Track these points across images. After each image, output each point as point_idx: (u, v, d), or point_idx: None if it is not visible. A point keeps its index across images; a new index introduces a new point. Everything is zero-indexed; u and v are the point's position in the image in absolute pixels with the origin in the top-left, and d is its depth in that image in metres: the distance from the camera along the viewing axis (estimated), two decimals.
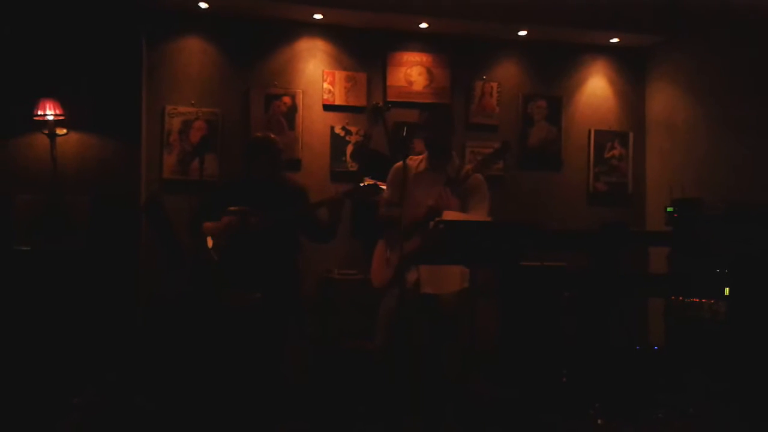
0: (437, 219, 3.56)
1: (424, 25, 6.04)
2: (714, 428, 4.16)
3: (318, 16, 5.86)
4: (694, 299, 4.91)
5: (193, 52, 5.87)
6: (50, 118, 5.18)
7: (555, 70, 6.50)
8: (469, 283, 3.91)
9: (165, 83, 5.81)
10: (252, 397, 4.09)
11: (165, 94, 5.80)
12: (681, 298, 5.03)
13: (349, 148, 6.03)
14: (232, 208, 4.07)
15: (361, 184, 4.08)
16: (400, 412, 4.05)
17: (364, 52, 6.13)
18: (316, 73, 6.05)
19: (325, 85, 6.03)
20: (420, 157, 4.17)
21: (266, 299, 4.03)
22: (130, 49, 5.52)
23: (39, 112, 5.17)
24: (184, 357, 4.74)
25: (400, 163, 3.96)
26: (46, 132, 5.21)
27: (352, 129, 6.04)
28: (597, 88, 6.57)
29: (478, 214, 3.94)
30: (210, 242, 4.14)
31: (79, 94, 5.33)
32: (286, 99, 5.96)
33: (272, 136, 4.44)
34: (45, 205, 5.20)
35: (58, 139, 5.25)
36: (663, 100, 6.42)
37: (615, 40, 6.37)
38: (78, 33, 5.37)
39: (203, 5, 5.64)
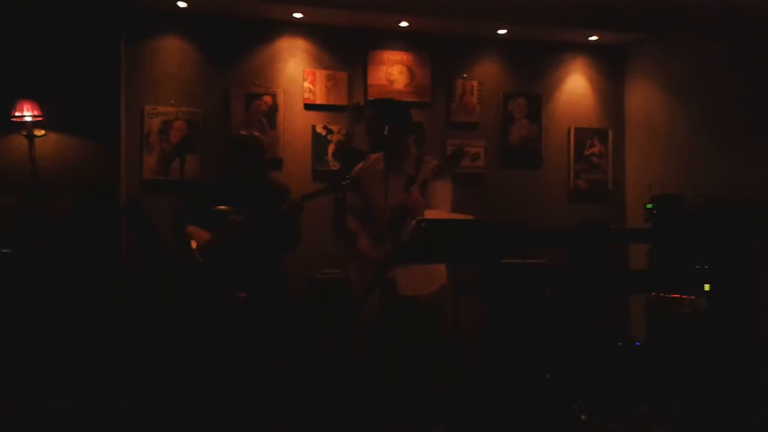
0: (419, 218, 3.54)
1: (404, 24, 6.04)
2: (695, 423, 4.20)
3: (298, 15, 5.84)
4: (675, 295, 4.96)
5: (172, 52, 5.83)
6: (28, 119, 5.13)
7: (535, 68, 6.53)
8: (447, 280, 3.91)
9: (144, 83, 5.76)
10: (237, 398, 4.08)
11: (144, 93, 5.76)
12: (662, 294, 5.07)
13: (331, 147, 6.02)
14: (218, 207, 4.04)
15: (316, 190, 4.10)
16: (386, 412, 4.05)
17: (345, 51, 6.12)
18: (296, 72, 6.03)
19: (306, 84, 6.02)
20: (376, 155, 4.09)
21: (251, 299, 4.02)
22: (108, 48, 5.49)
23: (16, 114, 5.12)
24: (168, 358, 4.71)
25: (361, 164, 3.99)
26: (24, 133, 5.16)
27: (334, 128, 6.03)
28: (576, 86, 6.61)
29: (442, 206, 3.84)
30: (194, 244, 4.12)
31: (57, 94, 5.29)
32: (267, 98, 5.93)
33: (256, 134, 4.42)
34: (24, 206, 5.14)
35: (37, 140, 5.20)
36: (642, 98, 6.47)
37: (594, 38, 6.41)
38: (55, 33, 5.32)
39: (182, 4, 5.60)
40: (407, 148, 4.05)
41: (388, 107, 4.18)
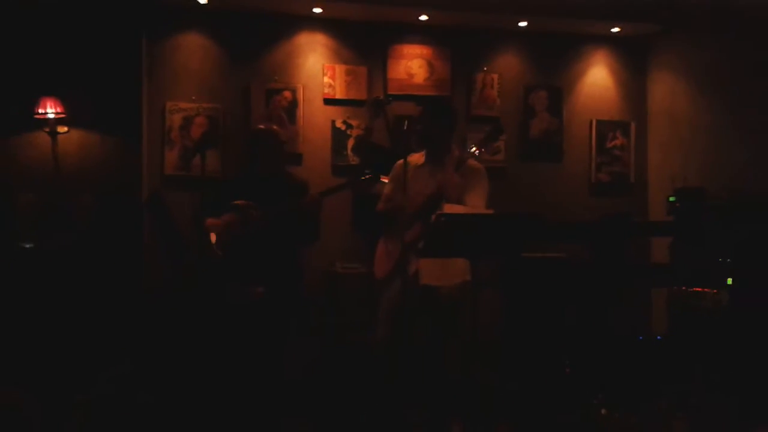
0: (439, 212, 3.55)
1: (424, 18, 6.03)
2: (716, 418, 4.16)
3: (317, 10, 5.85)
4: (697, 289, 4.91)
5: (193, 48, 5.87)
6: (51, 116, 5.20)
7: (556, 60, 6.48)
8: (471, 275, 3.91)
9: (165, 79, 5.81)
10: (255, 392, 4.10)
11: (165, 90, 5.80)
12: (683, 287, 5.02)
13: (350, 142, 6.03)
14: (237, 202, 4.06)
15: (335, 186, 4.10)
16: (405, 406, 4.06)
17: (364, 45, 6.12)
18: (316, 67, 6.04)
19: (326, 79, 6.03)
20: (419, 154, 4.18)
21: (269, 294, 4.04)
22: (129, 45, 5.53)
23: (40, 111, 5.18)
24: (188, 352, 4.76)
25: (402, 160, 3.97)
26: (47, 130, 5.23)
27: (353, 123, 6.04)
28: (598, 78, 6.55)
29: (476, 198, 3.92)
30: (213, 238, 4.14)
31: (80, 91, 5.35)
32: (287, 93, 5.95)
33: (275, 127, 4.41)
34: (47, 203, 5.22)
35: (60, 137, 5.27)
36: (664, 90, 6.41)
37: (616, 29, 6.36)
38: (78, 30, 5.38)
39: (202, 1, 5.64)
40: (449, 147, 4.08)
41: (441, 105, 4.21)
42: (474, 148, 3.96)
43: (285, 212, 4.04)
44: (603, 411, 4.20)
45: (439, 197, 3.84)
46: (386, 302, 4.04)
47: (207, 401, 4.25)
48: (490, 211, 3.87)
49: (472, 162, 4.00)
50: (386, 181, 4.27)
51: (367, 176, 4.07)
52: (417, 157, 4.14)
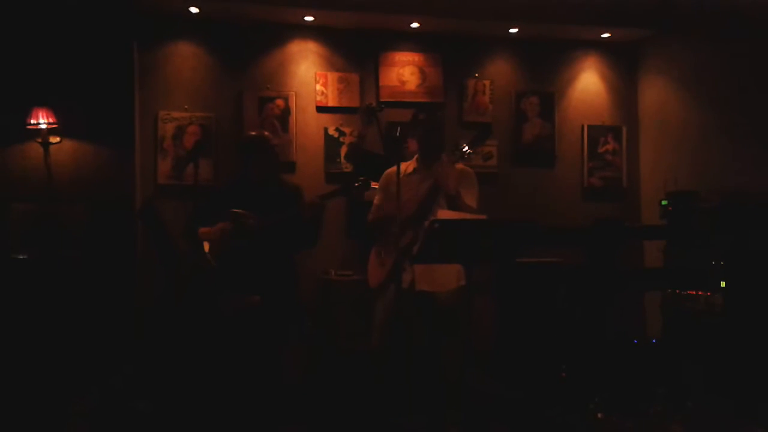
0: (432, 218, 3.56)
1: (415, 25, 6.05)
2: (712, 421, 4.17)
3: (309, 18, 5.86)
4: (690, 292, 4.93)
5: (185, 57, 5.88)
6: (43, 126, 5.19)
7: (547, 66, 6.51)
8: (465, 280, 3.92)
9: (157, 89, 5.81)
10: (251, 400, 4.09)
11: (158, 99, 5.80)
12: (677, 290, 5.04)
13: (343, 149, 6.04)
14: (235, 210, 4.05)
15: (331, 191, 4.10)
16: (400, 413, 4.06)
17: (356, 53, 6.14)
18: (308, 75, 6.05)
19: (318, 87, 6.04)
20: (409, 162, 4.20)
21: (264, 302, 4.03)
22: (121, 55, 5.54)
23: (32, 121, 5.18)
24: (183, 361, 4.74)
25: (393, 168, 3.98)
26: (40, 140, 5.22)
27: (346, 130, 6.05)
28: (589, 83, 6.58)
29: (469, 198, 3.96)
30: (207, 247, 4.14)
31: (72, 101, 5.35)
32: (279, 102, 5.96)
33: (266, 133, 4.40)
34: (40, 213, 5.20)
35: (52, 147, 5.27)
36: (655, 94, 6.44)
37: (606, 35, 6.39)
38: (69, 40, 5.38)
39: (194, 10, 5.65)
40: (440, 154, 4.10)
41: (441, 112, 4.26)
42: (465, 147, 3.98)
43: (288, 219, 4.03)
44: (599, 415, 4.20)
45: (435, 193, 3.88)
46: (381, 309, 4.04)
47: (204, 409, 4.24)
48: (484, 217, 3.88)
49: (461, 165, 4.03)
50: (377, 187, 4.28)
51: (360, 181, 4.07)
52: (406, 166, 4.15)
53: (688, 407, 4.18)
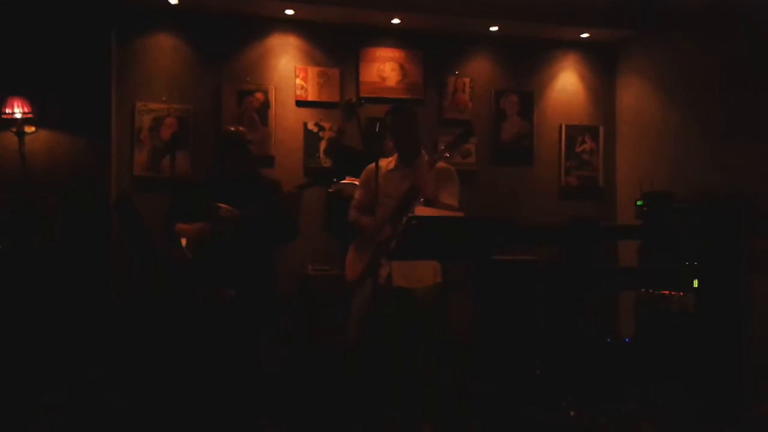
0: (410, 215, 3.57)
1: (396, 21, 6.04)
2: (683, 419, 4.22)
3: (289, 12, 5.84)
4: (664, 292, 4.98)
5: (164, 48, 5.83)
6: (18, 116, 5.12)
7: (527, 65, 6.54)
8: (442, 277, 3.93)
9: (135, 80, 5.76)
10: (228, 395, 4.08)
11: (135, 90, 5.75)
12: (651, 290, 5.09)
13: (323, 144, 6.03)
14: (219, 204, 4.03)
15: (308, 181, 4.10)
16: (377, 408, 4.07)
17: (337, 47, 6.12)
18: (288, 69, 6.03)
19: (298, 81, 6.02)
20: (390, 158, 4.20)
21: (241, 296, 4.02)
22: (99, 45, 5.47)
23: (7, 110, 5.11)
24: (159, 355, 4.71)
25: (373, 164, 3.98)
26: (14, 130, 5.15)
27: (326, 125, 6.03)
28: (568, 83, 6.62)
29: (449, 198, 3.96)
30: (184, 242, 4.12)
31: (48, 91, 5.28)
32: (259, 95, 5.93)
33: (241, 129, 4.40)
34: (15, 203, 5.14)
35: (27, 137, 5.19)
36: (633, 94, 6.49)
37: (585, 35, 6.43)
38: (46, 29, 5.31)
39: (173, 1, 5.60)
40: (419, 149, 4.12)
41: (409, 111, 4.23)
42: (443, 148, 3.99)
43: (264, 211, 4.02)
44: (572, 412, 4.24)
45: (414, 194, 3.88)
46: (358, 304, 4.05)
47: (180, 404, 4.22)
48: (461, 214, 3.90)
49: (442, 164, 4.04)
50: (357, 183, 4.28)
51: (337, 179, 4.09)
52: (387, 162, 4.16)
53: (660, 406, 4.24)
